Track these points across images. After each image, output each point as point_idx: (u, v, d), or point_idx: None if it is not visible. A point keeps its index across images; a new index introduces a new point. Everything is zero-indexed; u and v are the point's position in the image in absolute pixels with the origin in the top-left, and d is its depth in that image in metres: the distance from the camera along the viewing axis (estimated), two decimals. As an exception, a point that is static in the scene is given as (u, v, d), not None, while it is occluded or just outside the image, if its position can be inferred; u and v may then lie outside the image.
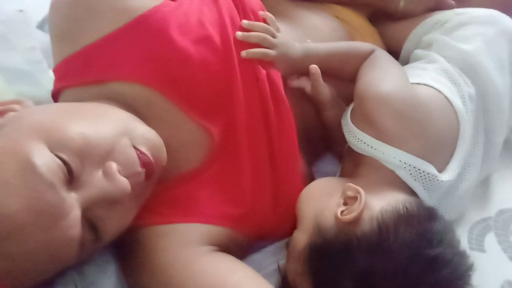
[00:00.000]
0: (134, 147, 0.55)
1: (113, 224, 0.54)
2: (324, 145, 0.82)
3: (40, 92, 0.78)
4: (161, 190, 0.62)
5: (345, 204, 0.59)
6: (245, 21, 0.67)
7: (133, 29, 0.61)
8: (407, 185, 0.63)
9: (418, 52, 0.83)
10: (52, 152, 0.50)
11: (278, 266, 0.67)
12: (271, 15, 0.71)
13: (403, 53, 0.89)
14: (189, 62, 0.62)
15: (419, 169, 0.62)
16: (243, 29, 0.67)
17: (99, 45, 0.61)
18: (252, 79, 0.66)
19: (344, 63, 0.72)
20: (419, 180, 0.63)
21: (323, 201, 0.61)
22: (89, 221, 0.52)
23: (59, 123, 0.53)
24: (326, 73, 0.72)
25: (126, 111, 0.59)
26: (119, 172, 0.52)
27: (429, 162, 0.63)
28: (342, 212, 0.58)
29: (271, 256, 0.70)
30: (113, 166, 0.52)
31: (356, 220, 0.56)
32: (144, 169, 0.54)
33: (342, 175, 0.72)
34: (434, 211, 0.58)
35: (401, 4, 0.89)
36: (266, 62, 0.67)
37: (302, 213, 0.63)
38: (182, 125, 0.63)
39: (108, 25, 0.61)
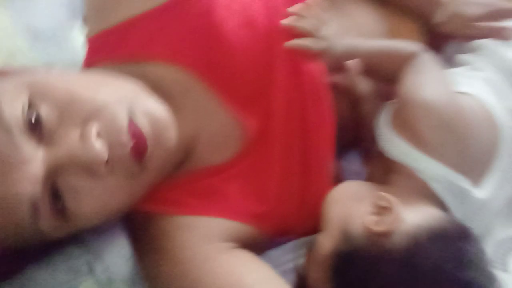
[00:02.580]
0: (130, 116, 0.49)
1: (86, 202, 0.47)
2: (352, 142, 0.79)
3: (68, 56, 0.75)
4: (187, 180, 0.59)
5: (375, 213, 0.57)
6: (294, 7, 0.62)
7: (175, 7, 0.58)
8: (438, 198, 0.61)
9: (464, 57, 0.79)
10: (31, 99, 0.46)
11: (296, 267, 0.65)
12: (322, 1, 0.67)
13: (444, 54, 0.85)
14: (232, 47, 0.58)
15: (454, 183, 0.60)
16: (289, 16, 0.62)
17: (137, 21, 0.58)
18: (294, 72, 0.62)
19: (387, 63, 0.69)
20: (453, 194, 0.60)
21: (352, 206, 0.59)
22: (56, 190, 0.46)
23: (54, 76, 0.50)
24: (366, 71, 0.69)
25: (158, 95, 0.55)
26: (99, 136, 0.46)
27: (465, 176, 0.61)
28: (372, 221, 0.55)
29: (288, 253, 0.68)
30: (93, 128, 0.46)
31: (388, 233, 0.53)
32: (132, 142, 0.48)
33: (369, 179, 0.69)
34: (469, 231, 0.56)
35: (436, 18, 0.81)
36: (310, 55, 0.63)
37: (328, 216, 0.61)
38: (217, 115, 0.60)
39: (148, 1, 0.57)
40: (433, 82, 0.64)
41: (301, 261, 0.66)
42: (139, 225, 0.59)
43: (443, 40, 0.85)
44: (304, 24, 0.62)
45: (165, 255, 0.56)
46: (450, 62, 0.83)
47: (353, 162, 0.81)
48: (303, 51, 0.62)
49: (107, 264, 0.55)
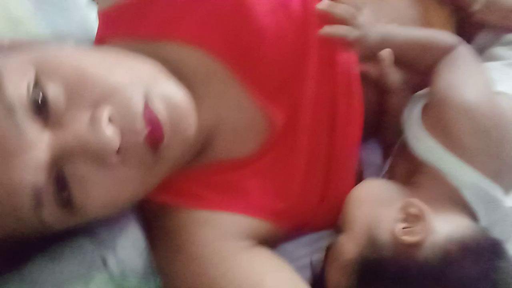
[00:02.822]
0: (146, 100, 0.44)
1: (94, 193, 0.43)
2: (373, 132, 0.76)
3: (76, 28, 0.69)
4: (205, 172, 0.56)
5: (405, 220, 0.54)
6: None
7: None
8: (467, 204, 0.58)
9: (497, 50, 0.74)
10: (37, 77, 0.42)
11: (311, 263, 0.63)
12: None
13: (474, 45, 0.80)
14: (262, 33, 0.54)
15: (487, 192, 0.57)
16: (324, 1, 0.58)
17: None
18: (328, 63, 0.58)
19: (423, 54, 0.64)
20: (484, 202, 0.58)
21: (379, 210, 0.56)
22: (62, 178, 0.42)
23: (63, 53, 0.46)
24: (399, 62, 0.65)
25: (177, 79, 0.50)
26: (111, 120, 0.42)
27: (498, 185, 0.58)
28: (401, 229, 0.53)
29: (304, 248, 0.66)
30: (104, 112, 0.42)
31: (418, 244, 0.51)
32: (147, 129, 0.43)
33: (392, 177, 0.66)
34: (500, 246, 0.53)
35: (474, 5, 0.76)
36: (345, 44, 0.59)
37: (352, 217, 0.58)
38: (242, 105, 0.56)
39: None
40: (473, 81, 0.60)
41: (316, 256, 0.64)
42: (155, 216, 0.56)
43: (475, 30, 0.81)
44: (340, 10, 0.57)
45: (181, 250, 0.54)
46: (480, 55, 0.79)
47: (372, 153, 0.78)
48: (339, 39, 0.58)
49: (121, 258, 0.52)
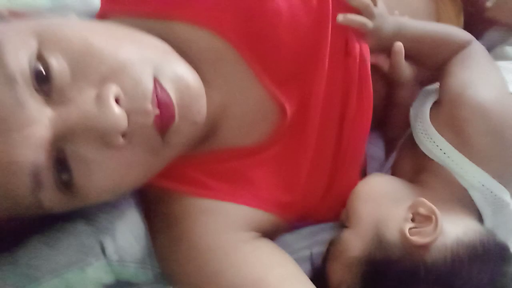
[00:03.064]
0: (156, 80, 0.42)
1: (96, 176, 0.41)
2: (378, 127, 0.75)
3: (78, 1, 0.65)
4: (211, 159, 0.54)
5: (413, 220, 0.53)
6: None
7: None
8: (475, 206, 0.57)
9: (506, 49, 0.73)
10: (40, 49, 0.39)
11: (311, 256, 0.62)
12: None
13: (482, 42, 0.79)
14: (277, 16, 0.51)
15: (495, 195, 0.56)
16: None
17: None
18: (342, 53, 0.56)
19: (436, 49, 0.63)
20: (491, 204, 0.57)
21: (387, 208, 0.55)
22: (63, 159, 0.40)
23: (68, 24, 0.43)
24: (411, 55, 0.63)
25: (192, 69, 0.47)
26: (118, 100, 0.40)
27: (506, 188, 0.57)
28: (410, 229, 0.52)
29: (304, 240, 0.65)
30: (112, 89, 0.39)
31: (427, 246, 0.50)
32: (157, 111, 0.41)
33: (397, 173, 0.65)
34: (508, 250, 0.53)
35: (489, 4, 0.76)
36: (362, 33, 0.57)
37: (358, 213, 0.57)
38: (251, 92, 0.54)
39: None
40: (488, 80, 0.59)
41: (317, 249, 0.63)
42: (156, 202, 0.54)
43: (485, 28, 0.79)
44: (357, 0, 0.56)
45: (183, 238, 0.52)
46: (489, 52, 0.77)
47: (375, 146, 0.77)
48: (356, 28, 0.56)
49: (120, 244, 0.50)
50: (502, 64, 0.71)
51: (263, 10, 0.51)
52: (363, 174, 0.66)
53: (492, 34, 0.79)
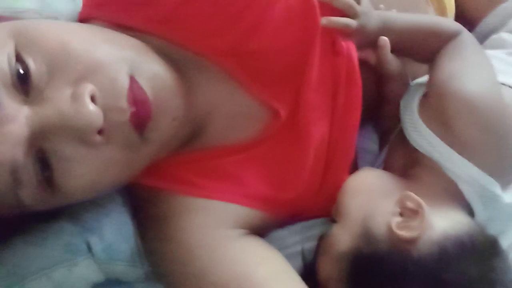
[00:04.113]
0: (132, 78, 0.43)
1: (77, 173, 0.41)
2: (370, 120, 0.74)
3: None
4: (197, 157, 0.54)
5: (401, 214, 0.53)
6: None
7: None
8: (464, 199, 0.57)
9: (504, 36, 0.72)
10: (16, 50, 0.40)
11: (303, 251, 0.61)
12: None
13: (479, 29, 0.78)
14: (262, 25, 0.51)
15: (485, 188, 0.56)
16: None
17: None
18: (330, 54, 0.56)
19: (424, 41, 0.62)
20: (481, 198, 0.56)
21: (375, 202, 0.55)
22: (43, 157, 0.40)
23: (44, 25, 0.43)
24: (399, 49, 0.63)
25: (170, 69, 0.48)
26: (94, 98, 0.40)
27: (497, 180, 0.57)
28: (397, 223, 0.51)
29: (295, 235, 0.64)
30: (87, 88, 0.40)
31: (414, 240, 0.50)
32: (132, 108, 0.42)
33: (388, 167, 0.65)
34: (497, 244, 0.52)
35: None
36: (347, 33, 0.56)
37: (346, 208, 0.57)
38: (235, 96, 0.55)
39: None
40: (477, 71, 0.58)
41: (308, 244, 0.63)
42: (145, 201, 0.54)
43: (482, 13, 0.79)
44: (340, 1, 0.55)
45: (172, 237, 0.52)
46: (486, 39, 0.77)
47: (367, 139, 0.77)
48: (341, 29, 0.55)
49: (107, 242, 0.51)
50: (495, 53, 0.71)
51: (247, 20, 0.51)
52: (355, 168, 0.66)
53: (490, 20, 0.78)
